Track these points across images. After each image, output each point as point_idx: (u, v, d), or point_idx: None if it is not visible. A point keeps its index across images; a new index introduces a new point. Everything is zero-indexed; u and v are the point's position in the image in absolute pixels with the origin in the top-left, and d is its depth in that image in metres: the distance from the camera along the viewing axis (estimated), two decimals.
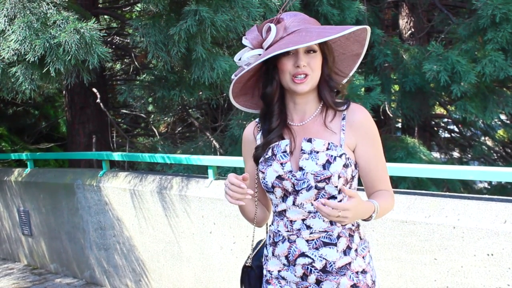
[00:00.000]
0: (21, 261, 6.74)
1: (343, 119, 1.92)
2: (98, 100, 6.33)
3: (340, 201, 1.89)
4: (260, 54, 1.88)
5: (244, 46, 1.93)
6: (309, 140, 1.89)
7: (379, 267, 3.13)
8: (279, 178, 1.91)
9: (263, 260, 2.10)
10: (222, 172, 5.21)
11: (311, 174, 1.85)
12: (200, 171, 5.37)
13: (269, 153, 1.95)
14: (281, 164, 1.91)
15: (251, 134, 2.09)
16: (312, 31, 1.81)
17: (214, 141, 6.44)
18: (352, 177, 1.92)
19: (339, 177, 1.84)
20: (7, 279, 6.11)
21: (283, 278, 1.98)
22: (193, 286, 4.47)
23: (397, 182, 5.88)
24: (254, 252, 2.17)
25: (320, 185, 1.85)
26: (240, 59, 1.91)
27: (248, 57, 1.89)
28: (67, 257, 5.89)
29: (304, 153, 1.88)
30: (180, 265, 4.55)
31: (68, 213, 5.65)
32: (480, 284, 2.80)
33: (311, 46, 1.85)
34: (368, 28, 1.91)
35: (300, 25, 1.86)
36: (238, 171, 5.23)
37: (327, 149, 1.86)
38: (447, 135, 10.09)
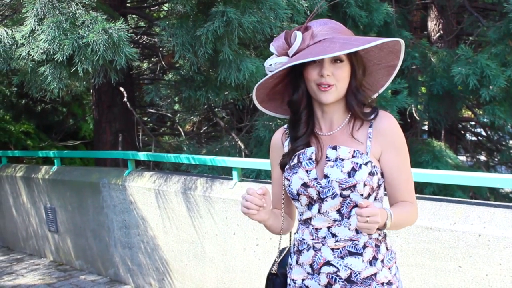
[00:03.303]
0: (47, 257, 6.83)
1: (370, 126, 1.89)
2: (125, 99, 6.38)
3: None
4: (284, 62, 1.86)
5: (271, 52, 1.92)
6: (334, 148, 1.87)
7: (403, 273, 3.10)
8: (304, 185, 1.89)
9: (287, 268, 2.07)
10: (246, 174, 5.21)
11: (336, 182, 1.82)
12: (225, 172, 5.38)
13: (295, 160, 1.93)
14: (307, 171, 1.89)
15: (279, 140, 2.07)
16: (335, 42, 1.78)
17: (239, 142, 6.44)
18: (379, 186, 1.88)
19: (364, 185, 1.81)
20: (33, 274, 6.20)
21: (307, 287, 1.96)
22: (215, 286, 4.48)
23: (423, 187, 5.84)
24: (280, 259, 2.13)
25: (345, 193, 1.82)
26: (270, 65, 1.90)
27: (273, 64, 1.88)
28: (92, 255, 5.95)
29: (329, 160, 1.85)
30: (203, 265, 4.56)
31: (94, 211, 5.71)
32: None
33: (338, 55, 1.81)
34: (402, 41, 1.85)
35: (328, 34, 1.82)
36: (263, 173, 5.23)
37: (353, 156, 1.84)
38: (474, 138, 9.96)
